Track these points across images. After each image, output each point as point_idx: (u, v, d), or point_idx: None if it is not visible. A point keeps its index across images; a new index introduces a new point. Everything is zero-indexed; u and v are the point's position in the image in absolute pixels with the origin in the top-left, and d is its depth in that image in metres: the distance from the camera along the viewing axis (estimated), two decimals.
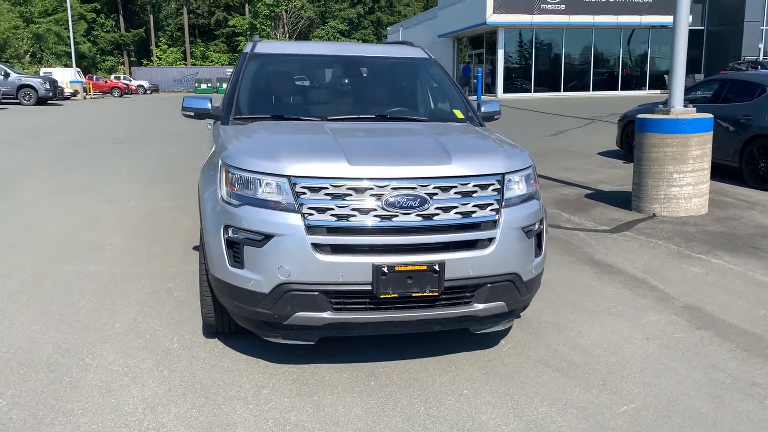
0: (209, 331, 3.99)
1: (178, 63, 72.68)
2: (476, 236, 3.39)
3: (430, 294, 3.30)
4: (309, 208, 3.24)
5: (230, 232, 3.37)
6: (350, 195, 3.26)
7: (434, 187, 3.34)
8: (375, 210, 3.25)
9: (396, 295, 3.26)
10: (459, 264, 3.33)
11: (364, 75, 4.95)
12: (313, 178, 3.28)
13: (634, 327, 4.26)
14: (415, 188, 3.31)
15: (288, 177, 3.28)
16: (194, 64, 73.04)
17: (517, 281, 3.53)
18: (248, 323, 3.51)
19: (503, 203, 3.47)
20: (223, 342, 3.91)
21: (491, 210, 3.43)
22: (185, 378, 3.47)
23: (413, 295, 3.29)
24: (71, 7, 50.32)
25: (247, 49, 4.94)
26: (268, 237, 3.25)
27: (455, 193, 3.38)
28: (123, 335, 4.01)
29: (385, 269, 3.22)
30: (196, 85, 61.29)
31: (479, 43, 35.69)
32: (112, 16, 73.38)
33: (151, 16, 74.47)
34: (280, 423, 3.06)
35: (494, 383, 3.48)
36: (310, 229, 3.23)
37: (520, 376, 3.56)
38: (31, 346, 3.84)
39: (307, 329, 3.37)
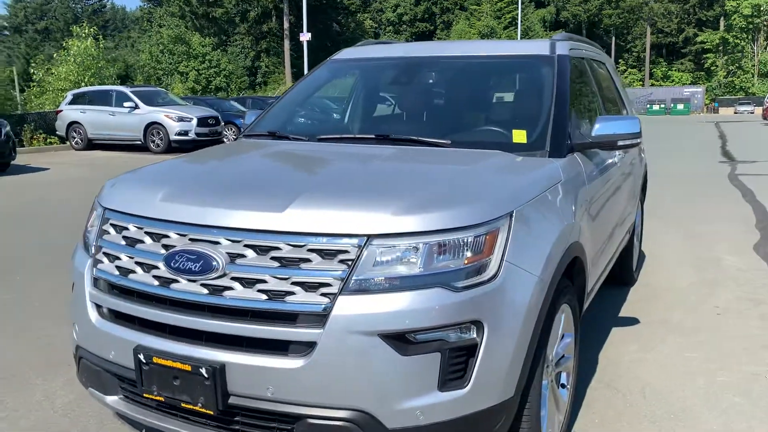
0: None
1: (635, 84, 70.38)
2: (284, 334, 2.04)
3: (203, 410, 2.11)
4: (104, 252, 2.42)
5: None
6: (142, 242, 2.31)
7: (246, 245, 2.12)
8: (157, 268, 2.23)
9: (161, 399, 2.19)
10: (252, 374, 2.05)
11: (430, 81, 3.61)
12: (119, 213, 2.45)
13: None
14: (219, 242, 2.16)
15: (104, 208, 2.52)
16: (652, 85, 69.69)
17: (367, 426, 2.00)
18: None
19: (349, 284, 2.00)
20: None
21: (322, 294, 2.02)
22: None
23: (183, 405, 2.15)
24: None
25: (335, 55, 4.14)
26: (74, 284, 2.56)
27: (273, 258, 2.09)
28: None
29: (141, 357, 2.18)
30: (648, 106, 58.55)
31: None
32: None
33: (613, 38, 73.82)
34: None
35: None
36: (96, 282, 2.41)
37: None
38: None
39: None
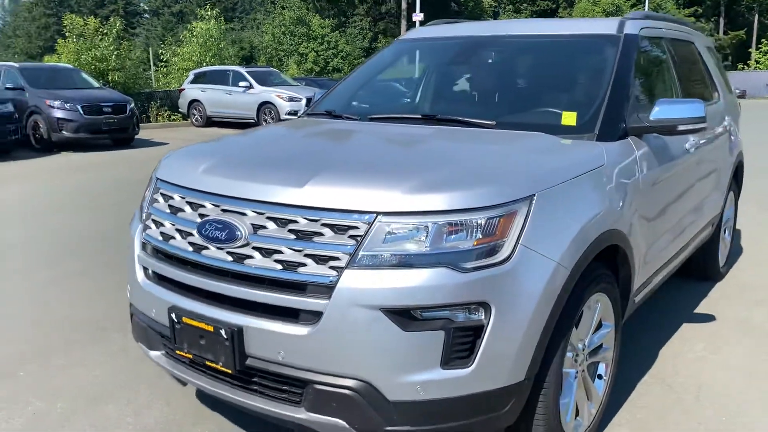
0: None
1: None
2: (295, 303, 2.14)
3: (224, 369, 2.27)
4: (152, 219, 2.63)
5: None
6: (183, 210, 2.49)
7: (268, 217, 2.24)
8: (192, 235, 2.40)
9: (190, 356, 2.37)
10: (266, 338, 2.18)
11: (489, 61, 3.55)
12: (167, 183, 2.65)
13: None
14: (245, 214, 2.29)
15: (157, 179, 2.74)
16: None
17: (370, 396, 2.07)
18: None
19: (356, 259, 2.07)
20: None
21: (330, 267, 2.10)
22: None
23: (207, 363, 2.32)
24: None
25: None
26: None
27: (290, 230, 2.19)
28: None
29: (173, 316, 2.37)
30: None
31: None
32: (712, 19, 70.06)
33: (756, 16, 67.98)
34: None
35: None
36: (144, 246, 2.63)
37: None
38: None
39: None
